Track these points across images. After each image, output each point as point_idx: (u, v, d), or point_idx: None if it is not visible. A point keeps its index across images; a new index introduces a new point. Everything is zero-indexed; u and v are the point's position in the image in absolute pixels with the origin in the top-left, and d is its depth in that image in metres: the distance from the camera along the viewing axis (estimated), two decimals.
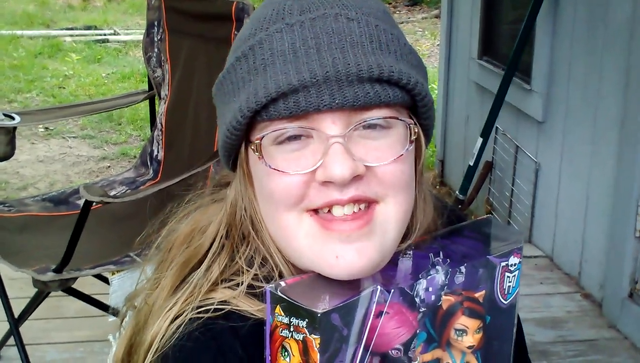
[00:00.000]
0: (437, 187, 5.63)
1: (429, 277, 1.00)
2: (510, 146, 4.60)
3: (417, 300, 0.99)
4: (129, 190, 3.26)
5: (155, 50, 3.34)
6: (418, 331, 1.00)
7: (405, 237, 1.08)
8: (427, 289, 1.00)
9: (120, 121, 7.13)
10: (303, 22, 1.00)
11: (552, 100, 4.16)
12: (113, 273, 2.68)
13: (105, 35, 10.79)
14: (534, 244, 4.41)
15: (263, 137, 1.01)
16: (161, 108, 3.35)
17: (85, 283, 2.99)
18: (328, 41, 0.99)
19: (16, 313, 2.83)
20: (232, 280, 1.06)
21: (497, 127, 4.62)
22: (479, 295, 1.06)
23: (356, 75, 0.97)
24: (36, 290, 2.70)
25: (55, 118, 3.79)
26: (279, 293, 0.92)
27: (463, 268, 1.04)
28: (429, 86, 1.09)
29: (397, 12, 12.97)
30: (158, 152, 3.37)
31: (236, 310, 1.02)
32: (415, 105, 1.05)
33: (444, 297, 1.02)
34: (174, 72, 3.30)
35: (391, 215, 1.02)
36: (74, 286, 2.68)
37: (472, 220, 1.17)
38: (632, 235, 3.48)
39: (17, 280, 3.11)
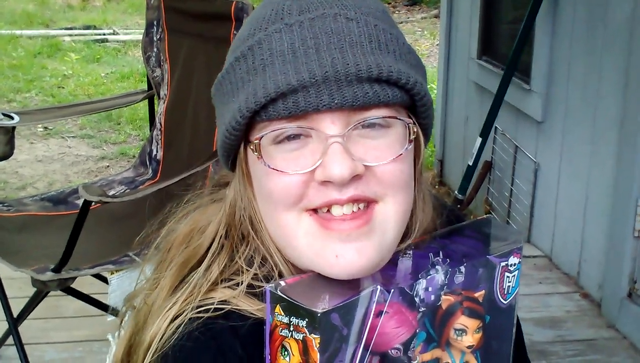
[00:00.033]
0: (436, 186, 5.63)
1: (428, 277, 1.00)
2: (510, 146, 4.60)
3: (416, 299, 0.99)
4: (128, 190, 3.26)
5: (155, 49, 3.34)
6: (418, 331, 1.00)
7: (404, 237, 1.08)
8: (426, 289, 1.00)
9: (119, 121, 7.13)
10: (302, 22, 1.00)
11: (551, 100, 4.16)
12: (112, 273, 2.68)
13: (104, 34, 10.79)
14: (533, 244, 4.41)
15: (262, 137, 1.01)
16: (160, 108, 3.35)
17: (84, 282, 2.99)
18: (327, 41, 0.99)
19: (15, 313, 2.83)
20: (232, 279, 1.06)
21: (496, 127, 4.62)
22: (479, 295, 1.06)
23: (355, 75, 0.97)
24: (35, 289, 2.70)
25: (54, 118, 3.79)
26: (279, 293, 0.92)
27: (463, 268, 1.04)
28: (428, 86, 1.09)
29: (397, 11, 12.98)
30: (157, 151, 3.37)
31: (236, 309, 1.02)
32: (414, 105, 1.05)
33: (443, 297, 1.02)
34: (173, 71, 3.30)
35: (390, 215, 1.02)
36: (72, 285, 2.68)
37: (472, 219, 1.17)
38: (631, 235, 3.48)
39: (16, 279, 3.11)
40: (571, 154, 4.02)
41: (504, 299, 1.09)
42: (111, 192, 3.20)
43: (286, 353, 0.92)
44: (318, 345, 0.89)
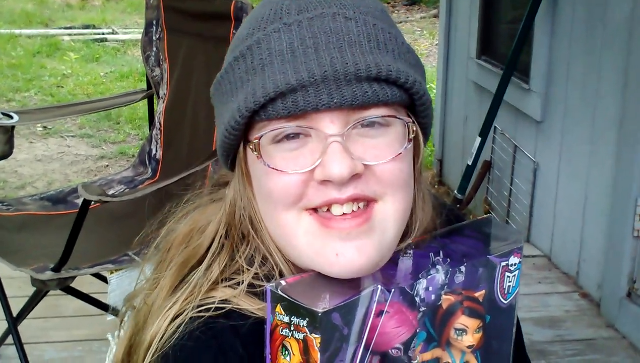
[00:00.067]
0: (436, 186, 5.63)
1: (429, 277, 1.00)
2: (509, 146, 4.60)
3: (417, 299, 0.99)
4: (128, 189, 3.25)
5: (154, 49, 3.34)
6: (418, 330, 1.00)
7: (404, 236, 1.08)
8: (427, 288, 1.00)
9: (118, 120, 7.13)
10: (301, 21, 1.00)
11: (550, 100, 4.17)
12: (111, 272, 2.68)
13: (103, 34, 10.79)
14: (532, 244, 4.42)
15: (261, 136, 1.01)
16: (159, 107, 3.34)
17: (84, 282, 2.99)
18: (326, 40, 0.99)
19: (15, 312, 2.83)
20: (233, 279, 1.06)
21: (495, 127, 4.62)
22: (479, 294, 1.06)
23: (354, 75, 0.97)
24: (34, 289, 2.69)
25: (54, 117, 3.79)
26: (280, 292, 0.92)
27: (463, 268, 1.04)
28: (428, 86, 1.09)
29: (396, 11, 12.98)
30: (156, 151, 3.37)
31: (237, 309, 1.02)
32: (413, 104, 1.05)
33: (444, 297, 1.02)
34: (173, 71, 3.30)
35: (390, 214, 1.02)
36: (72, 285, 2.68)
37: (472, 219, 1.17)
38: (630, 235, 3.48)
39: (15, 279, 3.11)
40: (570, 154, 4.02)
41: (504, 299, 1.09)
42: (110, 192, 3.19)
43: (287, 352, 0.92)
44: (319, 345, 0.89)
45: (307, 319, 0.89)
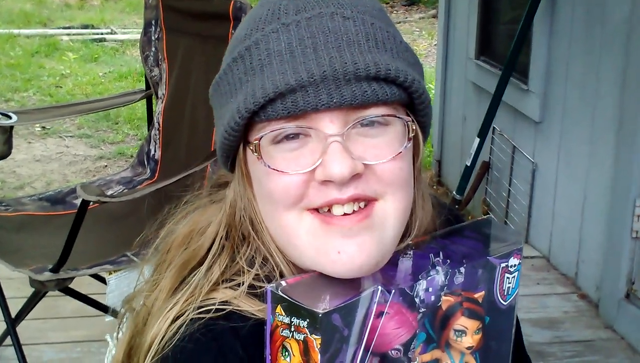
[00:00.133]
0: (434, 187, 5.63)
1: (428, 278, 1.00)
2: (508, 146, 4.60)
3: (417, 300, 0.99)
4: (126, 190, 3.25)
5: (153, 49, 3.34)
6: (418, 331, 1.00)
7: (404, 236, 1.08)
8: (427, 290, 1.00)
9: (117, 120, 7.12)
10: (299, 21, 1.00)
11: (549, 101, 4.17)
12: (110, 273, 2.68)
13: (102, 34, 10.79)
14: (530, 244, 4.42)
15: (261, 137, 1.00)
16: (158, 107, 3.34)
17: (82, 283, 2.99)
18: (324, 40, 0.99)
19: (13, 313, 2.82)
20: (233, 280, 1.06)
21: (494, 127, 4.62)
22: (479, 295, 1.06)
23: (353, 74, 0.97)
24: (33, 289, 2.69)
25: (52, 117, 3.78)
26: (280, 293, 0.92)
27: (462, 269, 1.03)
28: (426, 86, 1.09)
29: (395, 11, 12.98)
30: (155, 151, 3.36)
31: (237, 310, 1.02)
32: (412, 103, 1.05)
33: (443, 298, 1.02)
34: (172, 71, 3.30)
35: (390, 213, 1.02)
36: (71, 286, 2.68)
37: (472, 220, 1.17)
38: (629, 236, 3.48)
39: (14, 279, 3.11)
40: (569, 155, 4.02)
41: (503, 300, 1.09)
42: (109, 192, 3.19)
43: (287, 353, 0.92)
44: (319, 346, 0.88)
45: (308, 320, 0.89)
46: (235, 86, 1.03)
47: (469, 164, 4.59)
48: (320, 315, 0.88)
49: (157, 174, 3.34)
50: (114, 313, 2.49)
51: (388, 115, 1.01)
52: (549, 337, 3.55)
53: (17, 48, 9.74)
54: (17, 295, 3.06)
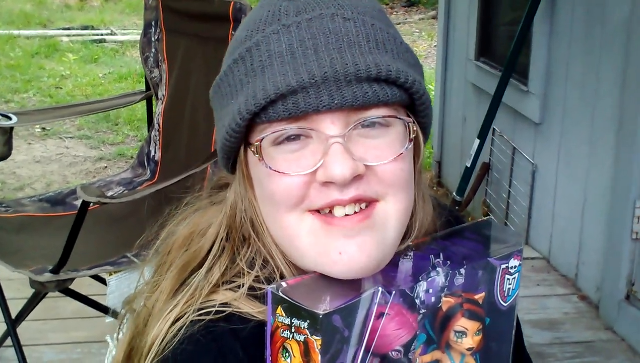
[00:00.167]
0: (434, 188, 5.63)
1: (429, 279, 1.00)
2: (507, 147, 4.60)
3: (417, 301, 0.99)
4: (126, 191, 3.25)
5: (153, 50, 3.34)
6: (418, 332, 1.00)
7: (405, 237, 1.08)
8: (427, 291, 1.00)
9: (117, 121, 7.13)
10: (299, 23, 1.00)
11: (549, 102, 4.17)
12: (110, 274, 2.68)
13: (102, 35, 10.80)
14: (530, 246, 4.42)
15: (263, 138, 1.00)
16: (158, 108, 3.34)
17: (83, 284, 2.99)
18: (325, 41, 0.99)
19: (13, 314, 2.82)
20: (233, 282, 1.06)
21: (494, 129, 4.62)
22: (479, 297, 1.06)
23: (354, 75, 0.97)
24: (33, 290, 2.69)
25: (52, 118, 3.79)
26: (281, 294, 0.92)
27: (463, 270, 1.04)
28: (426, 87, 1.09)
29: (394, 12, 12.98)
30: (155, 152, 3.37)
31: (237, 312, 1.02)
32: (413, 104, 1.05)
33: (443, 299, 1.02)
34: (171, 72, 3.30)
35: (391, 213, 1.02)
36: (71, 287, 2.68)
37: (473, 221, 1.17)
38: (629, 237, 3.48)
39: (14, 280, 3.11)
40: (569, 155, 4.02)
41: (504, 301, 1.09)
42: (109, 193, 3.19)
43: (287, 354, 0.92)
44: (319, 347, 0.88)
45: (308, 321, 0.89)
46: (236, 87, 1.03)
47: (469, 165, 4.59)
48: (320, 316, 0.88)
49: (157, 175, 3.34)
50: (114, 314, 2.49)
51: (389, 116, 1.01)
52: (549, 338, 3.55)
53: (17, 49, 9.74)
54: (17, 296, 3.06)
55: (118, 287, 2.65)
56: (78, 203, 2.52)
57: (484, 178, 4.84)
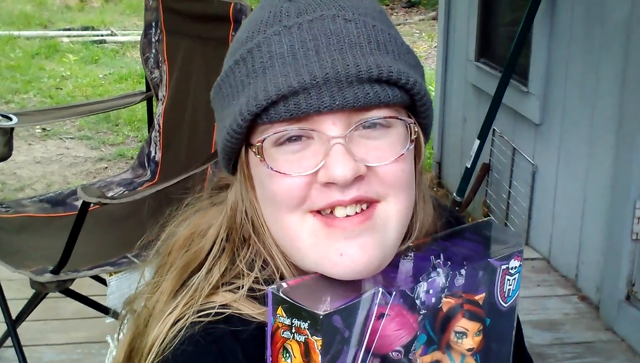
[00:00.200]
0: (435, 188, 5.63)
1: (429, 280, 1.00)
2: (508, 148, 4.60)
3: (417, 302, 0.99)
4: (127, 192, 3.26)
5: (153, 51, 3.34)
6: (418, 333, 1.00)
7: (406, 238, 1.08)
8: (427, 291, 1.00)
9: (117, 122, 7.13)
10: (301, 24, 1.00)
11: (549, 103, 4.17)
12: (111, 275, 2.68)
13: (102, 36, 10.79)
14: (531, 246, 4.42)
15: (264, 139, 1.01)
16: (159, 109, 3.34)
17: (83, 284, 2.99)
18: (326, 43, 0.99)
19: (14, 315, 2.82)
20: (233, 283, 1.06)
21: (494, 129, 4.62)
22: (479, 297, 1.06)
23: (356, 76, 0.97)
24: (34, 291, 2.70)
25: (53, 119, 3.79)
26: (281, 295, 0.92)
27: (463, 271, 1.04)
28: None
29: (394, 13, 12.98)
30: (155, 153, 3.37)
31: (237, 313, 1.02)
32: (413, 105, 1.05)
33: (444, 300, 1.02)
34: (172, 73, 3.30)
35: (392, 214, 1.02)
36: (71, 287, 2.68)
37: (473, 222, 1.17)
38: (629, 238, 3.48)
39: (14, 281, 3.11)
40: (569, 156, 4.02)
41: (504, 302, 1.09)
42: (110, 194, 3.19)
43: (287, 355, 0.92)
44: (320, 347, 0.89)
45: (309, 322, 0.89)
46: (237, 89, 1.03)
47: (469, 166, 4.59)
48: (321, 317, 0.88)
49: (157, 176, 3.34)
50: (115, 315, 2.49)
51: (390, 117, 1.01)
52: (550, 338, 3.55)
53: (17, 50, 9.74)
54: (17, 297, 3.06)
55: (118, 288, 2.65)
56: (78, 204, 2.52)
57: (484, 179, 4.84)
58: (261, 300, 1.03)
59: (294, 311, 0.90)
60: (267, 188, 1.03)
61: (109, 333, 2.01)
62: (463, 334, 1.05)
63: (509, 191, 4.60)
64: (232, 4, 2.92)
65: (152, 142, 3.37)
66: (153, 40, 3.34)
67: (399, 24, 11.90)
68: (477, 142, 4.51)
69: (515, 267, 1.10)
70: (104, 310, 2.85)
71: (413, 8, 13.39)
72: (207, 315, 1.02)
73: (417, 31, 11.74)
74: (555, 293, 3.96)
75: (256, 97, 0.98)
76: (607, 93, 3.63)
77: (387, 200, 1.02)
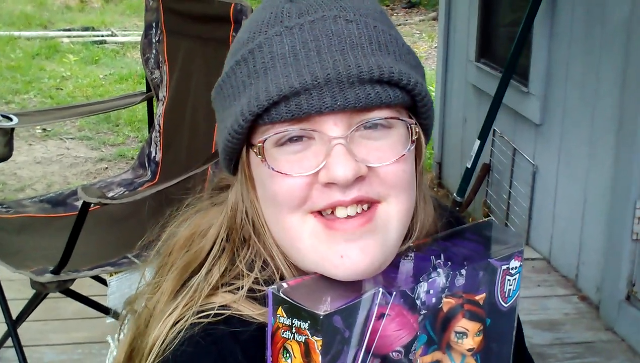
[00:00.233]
0: (435, 189, 5.63)
1: (430, 280, 1.01)
2: (508, 148, 4.60)
3: (418, 302, 0.99)
4: (127, 192, 3.26)
5: (153, 51, 3.34)
6: (419, 333, 1.00)
7: (406, 238, 1.08)
8: (428, 292, 1.00)
9: (118, 122, 7.13)
10: (302, 24, 1.00)
11: (549, 103, 4.17)
12: (111, 275, 2.68)
13: (102, 36, 10.79)
14: (531, 246, 4.42)
15: (265, 140, 1.01)
16: (159, 109, 3.35)
17: (83, 284, 2.99)
18: (328, 43, 0.99)
19: (14, 315, 2.82)
20: (233, 284, 1.06)
21: (494, 130, 4.62)
22: (480, 297, 1.06)
23: (357, 77, 0.97)
24: (34, 291, 2.70)
25: (53, 119, 3.79)
26: (281, 295, 0.92)
27: (463, 271, 1.04)
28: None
29: (395, 14, 12.98)
30: (156, 153, 3.37)
31: (237, 314, 1.02)
32: (414, 105, 1.06)
33: (444, 300, 1.03)
34: (172, 73, 3.30)
35: (393, 215, 1.02)
36: (71, 287, 2.68)
37: (473, 222, 1.17)
38: (629, 238, 3.48)
39: (15, 281, 3.11)
40: (569, 156, 4.02)
41: (504, 302, 1.09)
42: (110, 194, 3.19)
43: (288, 355, 0.92)
44: (320, 348, 0.89)
45: (309, 322, 0.89)
46: (238, 89, 1.03)
47: (469, 166, 4.59)
48: (321, 317, 0.88)
49: (157, 176, 3.34)
50: (115, 315, 2.49)
51: (391, 118, 1.01)
52: (550, 338, 3.55)
53: (17, 50, 9.74)
54: (18, 297, 3.06)
55: (119, 288, 2.65)
56: (79, 204, 2.52)
57: (485, 179, 4.84)
58: (261, 300, 1.03)
59: (294, 311, 0.90)
60: (268, 189, 1.03)
61: (109, 334, 2.01)
62: (463, 334, 1.05)
63: (510, 191, 4.60)
64: (233, 5, 2.92)
65: (153, 143, 3.37)
66: (153, 40, 3.34)
67: (399, 25, 11.90)
68: (478, 142, 4.51)
69: (516, 267, 1.10)
70: (105, 310, 2.85)
71: (413, 8, 13.39)
72: (207, 315, 1.02)
73: (418, 31, 11.74)
74: (555, 294, 3.96)
75: (257, 98, 0.98)
76: (607, 93, 3.63)
77: (388, 200, 1.02)
